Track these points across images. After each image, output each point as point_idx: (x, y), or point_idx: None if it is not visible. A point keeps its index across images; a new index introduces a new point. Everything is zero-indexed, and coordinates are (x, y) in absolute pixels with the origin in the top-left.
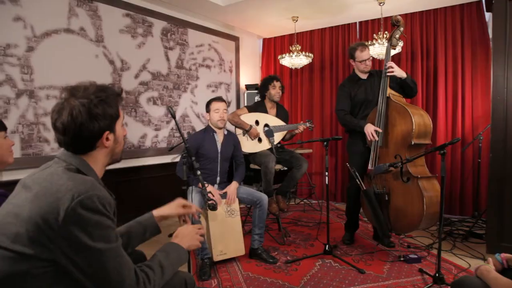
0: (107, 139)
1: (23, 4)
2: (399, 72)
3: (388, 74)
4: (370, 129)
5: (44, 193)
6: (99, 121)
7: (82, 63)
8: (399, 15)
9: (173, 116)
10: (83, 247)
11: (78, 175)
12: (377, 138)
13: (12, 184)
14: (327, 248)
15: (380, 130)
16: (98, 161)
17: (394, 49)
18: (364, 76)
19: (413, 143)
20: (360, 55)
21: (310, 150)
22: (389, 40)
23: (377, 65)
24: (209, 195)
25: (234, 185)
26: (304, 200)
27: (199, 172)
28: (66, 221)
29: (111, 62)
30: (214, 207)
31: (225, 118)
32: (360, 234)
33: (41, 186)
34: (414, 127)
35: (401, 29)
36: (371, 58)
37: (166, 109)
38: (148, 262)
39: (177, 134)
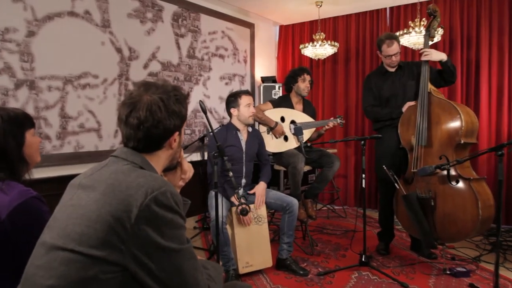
0: (175, 140)
1: None
2: (437, 55)
3: (423, 58)
4: (408, 104)
5: (112, 190)
6: (175, 119)
7: (87, 50)
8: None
9: (204, 112)
10: (156, 248)
11: (146, 172)
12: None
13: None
14: (363, 259)
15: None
16: (160, 161)
17: (432, 40)
18: (392, 69)
19: (462, 141)
20: (386, 49)
21: (335, 150)
22: (427, 29)
23: (410, 56)
24: (242, 199)
25: (262, 185)
26: (327, 206)
27: (231, 174)
28: (139, 219)
29: (119, 50)
30: (247, 212)
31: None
32: (394, 243)
33: (107, 184)
34: (463, 124)
35: (438, 19)
36: (399, 53)
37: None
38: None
39: (188, 132)
